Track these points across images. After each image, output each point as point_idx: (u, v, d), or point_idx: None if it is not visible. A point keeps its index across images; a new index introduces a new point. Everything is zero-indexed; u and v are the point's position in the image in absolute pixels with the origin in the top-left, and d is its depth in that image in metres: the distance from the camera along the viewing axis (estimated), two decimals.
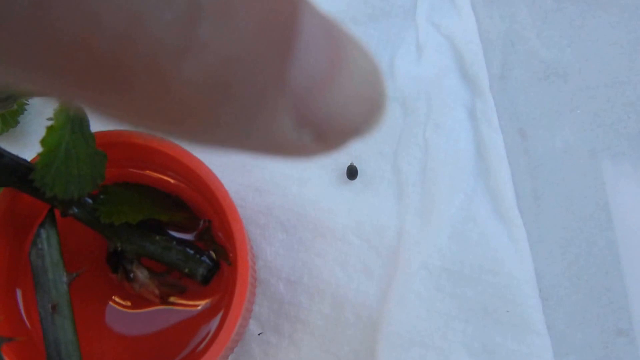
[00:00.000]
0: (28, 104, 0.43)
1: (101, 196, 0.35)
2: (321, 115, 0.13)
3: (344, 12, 0.45)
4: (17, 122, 0.42)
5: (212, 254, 0.36)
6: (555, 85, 0.43)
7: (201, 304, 0.36)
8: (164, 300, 0.36)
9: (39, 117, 0.42)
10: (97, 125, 0.35)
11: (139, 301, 0.36)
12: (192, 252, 0.36)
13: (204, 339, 0.36)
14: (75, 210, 0.35)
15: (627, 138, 0.41)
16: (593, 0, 0.46)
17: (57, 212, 0.35)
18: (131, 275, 0.36)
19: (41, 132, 0.32)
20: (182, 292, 0.36)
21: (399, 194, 0.41)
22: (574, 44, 0.45)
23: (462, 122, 0.42)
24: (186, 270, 0.35)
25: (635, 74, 0.44)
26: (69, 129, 0.34)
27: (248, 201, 0.40)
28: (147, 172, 0.38)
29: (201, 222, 0.37)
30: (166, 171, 0.37)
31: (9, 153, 0.34)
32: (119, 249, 0.36)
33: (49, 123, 0.33)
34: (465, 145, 0.42)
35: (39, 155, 0.32)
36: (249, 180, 0.40)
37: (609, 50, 0.44)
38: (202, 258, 0.36)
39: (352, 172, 0.41)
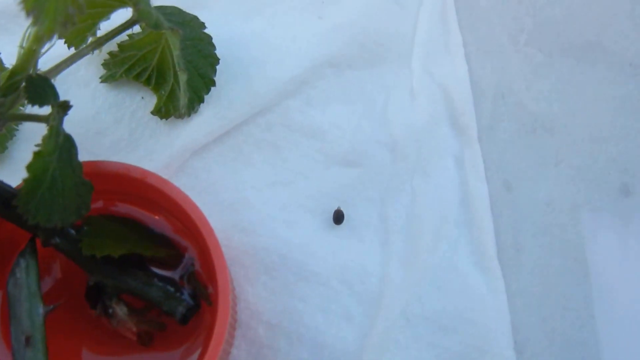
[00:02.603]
0: (18, 130, 0.42)
1: (85, 227, 0.35)
2: None
3: (342, 57, 0.45)
4: (5, 148, 0.41)
5: (192, 294, 0.35)
6: (542, 139, 0.43)
7: (178, 345, 0.35)
8: (141, 339, 0.35)
9: (28, 143, 0.41)
10: (86, 153, 0.34)
11: (115, 339, 0.35)
12: (172, 290, 0.35)
13: None
14: (58, 240, 0.35)
15: (607, 193, 0.41)
16: (581, 55, 0.46)
17: (38, 242, 0.34)
18: (110, 311, 0.35)
19: (29, 159, 0.31)
20: (160, 330, 0.35)
21: (384, 241, 0.41)
22: (562, 99, 0.45)
23: (450, 171, 0.42)
24: (166, 308, 0.35)
25: (618, 130, 0.44)
26: (57, 156, 0.33)
27: (233, 241, 0.40)
28: (133, 206, 0.37)
29: (184, 260, 0.36)
30: (152, 205, 0.37)
31: (3, 184, 0.34)
32: (99, 283, 0.35)
33: (37, 149, 0.32)
34: (451, 195, 0.42)
35: (24, 181, 0.32)
36: (235, 220, 0.40)
37: (594, 105, 0.44)
38: (183, 297, 0.35)
39: (338, 217, 0.41)
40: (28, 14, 0.29)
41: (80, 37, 0.40)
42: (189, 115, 0.42)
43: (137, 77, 0.43)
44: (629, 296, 0.37)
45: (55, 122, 0.34)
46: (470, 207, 0.41)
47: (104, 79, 0.44)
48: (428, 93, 0.44)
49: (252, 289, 0.39)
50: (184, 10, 0.42)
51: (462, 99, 0.43)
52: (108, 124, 0.42)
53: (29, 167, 0.32)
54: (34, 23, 0.31)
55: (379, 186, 0.42)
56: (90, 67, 0.44)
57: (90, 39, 0.40)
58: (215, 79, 0.42)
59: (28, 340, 0.33)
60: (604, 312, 0.39)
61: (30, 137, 0.41)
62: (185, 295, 0.35)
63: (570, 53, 0.46)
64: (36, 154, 0.33)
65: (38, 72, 0.35)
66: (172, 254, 0.36)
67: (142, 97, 0.43)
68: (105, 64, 0.44)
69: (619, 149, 0.43)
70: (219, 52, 0.43)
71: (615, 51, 0.46)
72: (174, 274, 0.36)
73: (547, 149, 0.43)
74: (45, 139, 0.34)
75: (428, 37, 0.45)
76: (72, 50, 0.40)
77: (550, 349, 0.39)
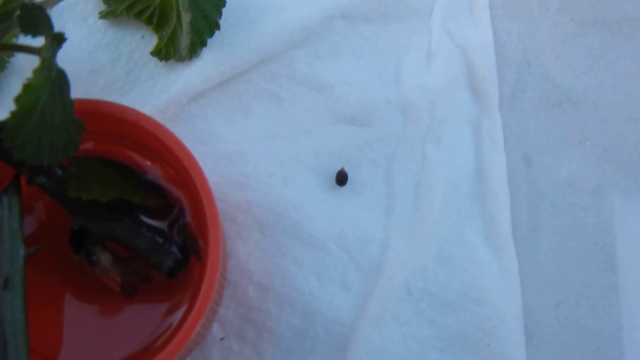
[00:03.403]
0: (9, 62, 0.42)
1: (72, 168, 0.35)
2: None
3: (356, 8, 0.44)
4: None
5: (182, 247, 0.35)
6: (567, 113, 0.43)
7: (164, 299, 0.36)
8: (124, 290, 0.36)
9: (19, 77, 0.41)
10: (79, 92, 0.34)
11: (98, 288, 0.36)
12: (161, 241, 0.35)
13: (161, 335, 0.35)
14: (43, 179, 0.35)
15: (636, 177, 0.41)
16: (617, 29, 0.46)
17: (23, 180, 0.34)
18: (94, 258, 0.35)
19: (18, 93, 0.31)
20: (146, 283, 0.36)
21: (389, 207, 0.40)
22: (592, 73, 0.45)
23: (465, 139, 0.42)
24: (153, 260, 0.35)
25: None
26: (48, 90, 0.33)
27: (227, 195, 0.40)
28: (125, 150, 0.37)
29: (175, 210, 0.36)
30: (145, 151, 0.37)
31: None
32: (84, 228, 0.35)
33: (27, 82, 0.32)
34: (465, 164, 0.41)
35: (11, 113, 0.31)
36: (231, 173, 0.40)
37: (627, 83, 0.44)
38: (172, 249, 0.35)
39: (341, 178, 0.41)
40: None
41: None
42: (190, 58, 0.42)
43: (138, 15, 0.43)
44: None
45: (48, 54, 0.34)
46: (485, 179, 0.41)
47: (103, 15, 0.43)
48: (447, 55, 0.43)
49: (244, 246, 0.39)
50: None
51: (483, 63, 0.43)
52: (104, 62, 0.42)
53: (18, 100, 0.32)
54: None
55: (387, 149, 0.42)
56: (89, 1, 0.43)
57: None
58: (220, 22, 0.42)
59: (6, 283, 0.33)
60: (630, 301, 0.39)
61: (22, 70, 0.41)
62: (174, 248, 0.35)
63: (604, 25, 0.46)
64: (26, 86, 0.33)
65: (33, 0, 0.35)
66: (162, 203, 0.36)
67: (142, 37, 0.43)
68: (106, 0, 0.44)
69: None
70: None
71: None
72: (164, 225, 0.36)
73: (572, 125, 0.43)
74: (37, 71, 0.33)
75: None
76: None
77: (562, 336, 0.39)
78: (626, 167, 0.41)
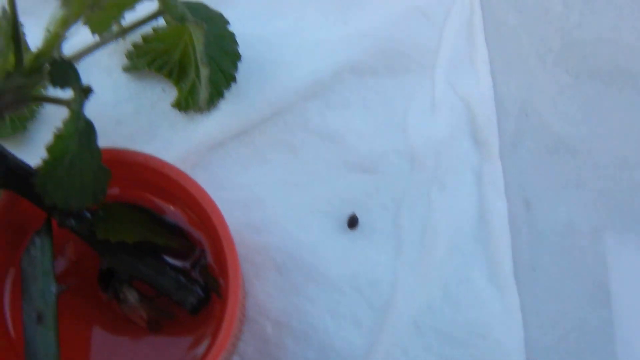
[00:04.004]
0: (38, 111, 0.46)
1: (100, 212, 0.39)
2: None
3: (364, 62, 0.49)
4: (25, 128, 0.45)
5: (203, 285, 0.39)
6: (565, 160, 0.47)
7: (187, 334, 0.39)
8: (150, 326, 0.39)
9: (48, 125, 0.45)
10: (105, 141, 0.38)
11: (125, 323, 0.39)
12: (184, 280, 0.38)
13: None
14: (73, 222, 0.38)
15: (631, 218, 0.45)
16: (610, 80, 0.50)
17: (54, 223, 0.38)
18: (121, 296, 0.38)
19: (48, 141, 0.35)
20: (170, 319, 0.39)
21: (397, 249, 0.44)
22: (586, 122, 0.48)
23: (468, 185, 0.46)
24: (176, 297, 0.38)
25: None
26: (77, 140, 0.37)
27: (245, 238, 0.43)
28: (149, 195, 0.41)
29: (197, 251, 0.39)
30: (168, 196, 0.41)
31: (13, 155, 0.38)
32: (112, 268, 0.38)
33: (58, 131, 0.36)
34: (468, 208, 0.45)
35: (43, 161, 0.35)
36: (249, 218, 0.44)
37: (620, 131, 0.48)
38: (194, 287, 0.38)
39: (352, 222, 0.44)
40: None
41: (104, 25, 0.44)
42: (208, 110, 0.46)
43: (158, 69, 0.47)
44: None
45: (76, 105, 0.38)
46: (488, 223, 0.45)
47: (126, 69, 0.48)
48: (449, 106, 0.48)
49: (262, 286, 0.42)
50: (209, 6, 0.46)
51: (484, 114, 0.47)
52: (128, 113, 0.46)
53: (49, 148, 0.36)
54: (62, 5, 0.36)
55: (395, 194, 0.45)
56: (113, 56, 0.48)
57: (114, 28, 0.44)
58: (237, 76, 0.46)
59: (40, 317, 0.36)
60: (625, 338, 0.42)
61: (51, 119, 0.45)
62: (196, 287, 0.39)
63: (598, 77, 0.50)
64: (57, 136, 0.36)
65: (62, 56, 0.39)
66: (185, 244, 0.40)
67: (163, 89, 0.47)
68: (128, 55, 0.48)
69: None
70: (241, 50, 0.47)
71: None
72: (186, 265, 0.40)
73: (569, 170, 0.47)
74: (66, 122, 0.37)
75: (453, 50, 0.49)
76: (97, 39, 0.44)
77: None
78: (620, 210, 0.45)
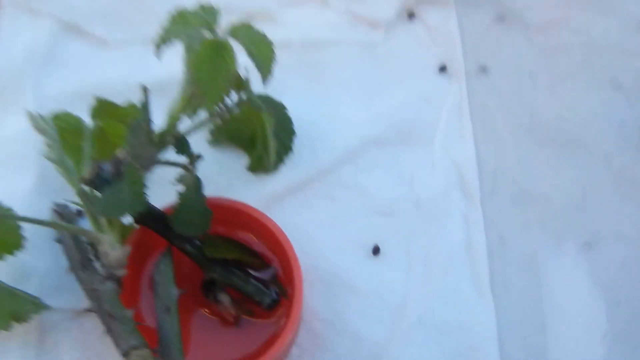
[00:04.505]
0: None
1: (205, 240, 0.58)
2: None
3: (383, 136, 0.69)
4: None
5: (276, 291, 0.58)
6: (529, 206, 0.66)
7: (264, 326, 0.58)
8: (236, 321, 0.58)
9: (161, 179, 0.63)
10: (205, 191, 0.57)
11: (218, 316, 0.58)
12: (262, 287, 0.57)
13: (262, 345, 0.57)
14: (188, 247, 0.57)
15: (572, 247, 0.63)
16: (567, 146, 0.69)
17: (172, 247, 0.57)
18: (218, 298, 0.57)
19: (155, 189, 0.54)
20: (251, 315, 0.58)
21: (407, 269, 0.63)
22: (547, 178, 0.68)
23: (458, 224, 0.65)
24: (257, 299, 0.57)
25: (588, 203, 0.66)
26: (192, 191, 0.57)
27: (301, 261, 0.62)
28: (237, 231, 0.60)
29: (271, 268, 0.58)
30: (251, 231, 0.60)
31: (155, 207, 0.57)
32: (212, 278, 0.57)
33: (180, 187, 0.56)
34: (458, 240, 0.64)
35: (174, 208, 0.55)
36: (302, 248, 0.62)
37: (573, 185, 0.67)
38: (269, 292, 0.57)
39: (375, 250, 0.64)
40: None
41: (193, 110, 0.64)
42: (273, 172, 0.66)
43: (235, 142, 0.67)
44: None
45: (191, 167, 0.58)
46: (472, 251, 0.63)
47: (210, 142, 0.68)
48: (444, 166, 0.67)
49: (312, 296, 0.61)
50: (273, 97, 0.66)
51: (469, 173, 0.67)
52: (213, 174, 0.65)
53: (180, 196, 0.56)
54: (177, 100, 0.56)
55: (406, 231, 0.65)
56: (202, 133, 0.68)
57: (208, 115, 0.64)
58: (293, 147, 0.67)
59: (167, 310, 0.55)
60: (555, 327, 0.60)
61: (164, 174, 0.64)
62: (272, 291, 0.58)
63: (557, 144, 0.70)
64: (181, 194, 0.56)
65: (179, 133, 0.59)
66: (262, 263, 0.59)
67: (239, 157, 0.67)
68: (212, 131, 0.68)
69: (587, 216, 0.66)
70: (295, 128, 0.67)
71: (592, 145, 0.69)
72: (263, 276, 0.58)
73: (533, 214, 0.66)
74: (185, 177, 0.57)
75: (447, 126, 0.69)
76: (196, 122, 0.64)
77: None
78: (566, 240, 0.64)
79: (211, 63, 0.51)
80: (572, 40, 0.72)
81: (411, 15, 0.75)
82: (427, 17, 0.76)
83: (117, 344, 0.53)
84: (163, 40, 0.53)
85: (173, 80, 0.58)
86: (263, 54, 0.53)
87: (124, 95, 0.60)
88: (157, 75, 0.68)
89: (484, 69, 0.72)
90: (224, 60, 0.51)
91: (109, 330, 0.53)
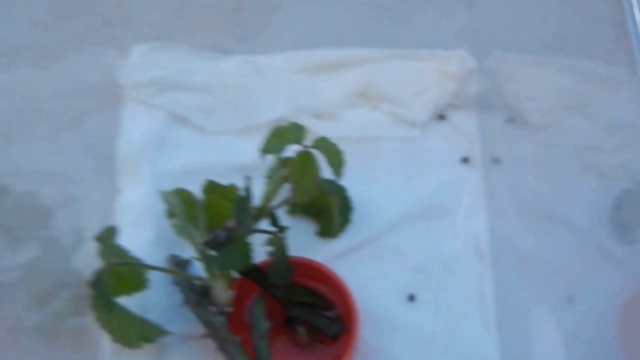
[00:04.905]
0: None
1: (288, 288, 0.81)
2: None
3: (417, 211, 0.93)
4: None
5: (340, 326, 0.80)
6: (527, 267, 0.88)
7: (330, 352, 0.81)
8: (309, 347, 0.81)
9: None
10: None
11: (294, 343, 0.81)
12: (329, 322, 0.80)
13: None
14: (277, 292, 0.80)
15: (554, 302, 0.86)
16: (554, 222, 0.91)
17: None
18: (296, 330, 0.80)
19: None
20: (320, 343, 0.80)
21: (435, 312, 0.86)
22: (539, 243, 0.90)
23: (474, 280, 0.88)
24: (326, 330, 0.80)
25: (569, 265, 0.89)
26: (281, 252, 0.80)
27: (357, 304, 0.84)
28: (311, 281, 0.84)
29: (336, 309, 0.81)
30: (320, 281, 0.83)
31: (257, 265, 0.80)
32: (292, 315, 0.80)
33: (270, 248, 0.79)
34: (473, 292, 0.87)
35: (270, 263, 0.78)
36: (358, 294, 0.84)
37: (554, 247, 0.89)
38: (335, 326, 0.80)
39: (411, 298, 0.87)
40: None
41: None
42: (336, 237, 0.90)
43: (308, 214, 0.91)
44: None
45: (281, 235, 0.81)
46: (483, 300, 0.86)
47: (289, 213, 0.91)
48: (465, 236, 0.90)
49: (364, 330, 0.83)
50: (335, 181, 0.89)
51: (483, 240, 0.89)
52: (291, 237, 0.86)
53: (272, 254, 0.79)
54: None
55: (435, 284, 0.87)
56: (282, 210, 0.91)
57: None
58: (351, 219, 0.90)
59: (261, 337, 0.77)
60: None
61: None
62: (336, 325, 0.80)
63: (551, 220, 0.92)
64: (271, 252, 0.80)
65: (272, 208, 0.82)
66: (329, 305, 0.82)
67: (310, 225, 0.91)
68: (291, 206, 0.91)
69: (570, 276, 0.88)
70: (353, 204, 0.90)
71: (579, 221, 0.92)
72: (330, 315, 0.81)
73: (530, 273, 0.88)
74: (275, 241, 0.80)
75: (467, 205, 0.92)
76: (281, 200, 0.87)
77: None
78: (549, 296, 0.86)
79: (303, 167, 0.75)
80: (565, 139, 0.96)
81: (441, 117, 0.99)
82: (453, 118, 0.99)
83: (229, 359, 0.76)
84: (266, 149, 0.77)
85: (256, 163, 0.81)
86: (336, 159, 0.77)
87: (219, 173, 0.86)
88: (245, 158, 0.94)
89: (497, 161, 0.96)
90: (312, 165, 0.75)
91: (224, 351, 0.77)
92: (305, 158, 0.76)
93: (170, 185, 0.86)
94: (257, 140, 0.78)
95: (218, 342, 0.77)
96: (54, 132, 1.02)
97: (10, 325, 0.88)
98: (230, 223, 0.78)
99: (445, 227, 0.92)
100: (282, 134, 0.78)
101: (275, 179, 0.81)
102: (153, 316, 0.84)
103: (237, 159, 0.96)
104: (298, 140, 0.77)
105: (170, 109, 1.01)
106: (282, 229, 0.82)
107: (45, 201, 0.96)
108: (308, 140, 0.78)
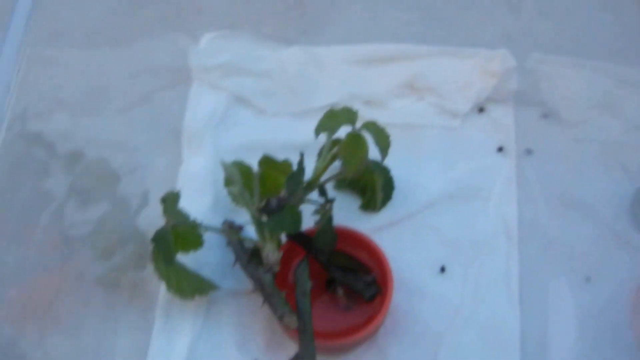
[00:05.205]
0: None
1: (331, 253, 0.91)
2: None
3: (453, 193, 1.02)
4: None
5: (375, 289, 0.90)
6: (553, 251, 0.97)
7: (364, 311, 0.90)
8: (346, 307, 0.91)
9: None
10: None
11: (334, 302, 0.91)
12: (366, 285, 0.90)
13: (364, 321, 0.89)
14: (320, 256, 0.90)
15: (572, 285, 0.94)
16: (581, 211, 1.00)
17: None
18: (336, 290, 0.90)
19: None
20: (356, 303, 0.90)
21: (463, 284, 0.95)
22: (569, 231, 0.98)
23: (500, 258, 0.97)
24: (362, 293, 0.90)
25: (594, 256, 0.97)
26: (327, 220, 0.90)
27: (392, 272, 0.94)
28: (352, 248, 0.94)
29: (372, 274, 0.91)
30: (361, 249, 0.94)
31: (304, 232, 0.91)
32: (333, 277, 0.90)
33: (318, 217, 0.89)
34: (499, 269, 0.96)
35: (316, 232, 0.89)
36: (393, 263, 0.93)
37: (585, 238, 0.98)
38: (371, 289, 0.90)
39: (442, 269, 0.96)
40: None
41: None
42: (379, 210, 1.00)
43: (353, 189, 1.01)
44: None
45: (329, 206, 0.91)
46: (508, 276, 0.94)
47: (336, 187, 1.01)
48: (495, 218, 0.99)
49: (396, 295, 0.91)
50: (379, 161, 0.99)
51: (512, 223, 0.98)
52: (336, 209, 0.95)
53: (318, 224, 0.90)
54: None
55: (464, 259, 0.96)
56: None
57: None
58: (392, 195, 1.00)
59: (304, 294, 0.87)
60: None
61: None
62: (372, 289, 0.90)
63: (576, 208, 1.00)
64: (321, 222, 0.90)
65: (321, 182, 0.93)
66: (367, 270, 0.91)
67: (355, 199, 1.00)
68: (337, 181, 1.01)
69: (591, 259, 0.96)
70: (394, 182, 1.00)
71: (601, 211, 1.00)
72: (367, 279, 0.91)
73: (555, 256, 0.96)
74: (324, 212, 0.91)
75: (499, 190, 1.01)
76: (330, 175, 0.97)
77: None
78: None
79: (352, 147, 0.86)
80: (594, 135, 1.05)
81: (481, 110, 1.08)
82: (492, 111, 1.08)
83: (274, 311, 0.86)
84: (320, 128, 0.87)
85: (309, 143, 0.93)
86: (383, 142, 0.87)
87: (274, 150, 0.96)
88: (300, 139, 1.04)
89: (529, 152, 1.04)
90: (361, 145, 0.86)
91: (269, 304, 0.87)
92: (355, 139, 0.86)
93: (229, 158, 0.97)
94: (311, 123, 0.90)
95: (264, 297, 0.88)
96: (126, 106, 1.14)
97: (78, 274, 1.00)
98: (283, 193, 0.89)
99: (478, 209, 1.01)
100: (336, 116, 0.88)
101: (326, 156, 0.92)
102: (206, 272, 0.95)
103: (292, 138, 1.06)
104: (350, 122, 0.87)
105: (234, 91, 1.13)
106: (329, 200, 0.92)
107: (115, 167, 1.08)
108: (358, 124, 0.89)
